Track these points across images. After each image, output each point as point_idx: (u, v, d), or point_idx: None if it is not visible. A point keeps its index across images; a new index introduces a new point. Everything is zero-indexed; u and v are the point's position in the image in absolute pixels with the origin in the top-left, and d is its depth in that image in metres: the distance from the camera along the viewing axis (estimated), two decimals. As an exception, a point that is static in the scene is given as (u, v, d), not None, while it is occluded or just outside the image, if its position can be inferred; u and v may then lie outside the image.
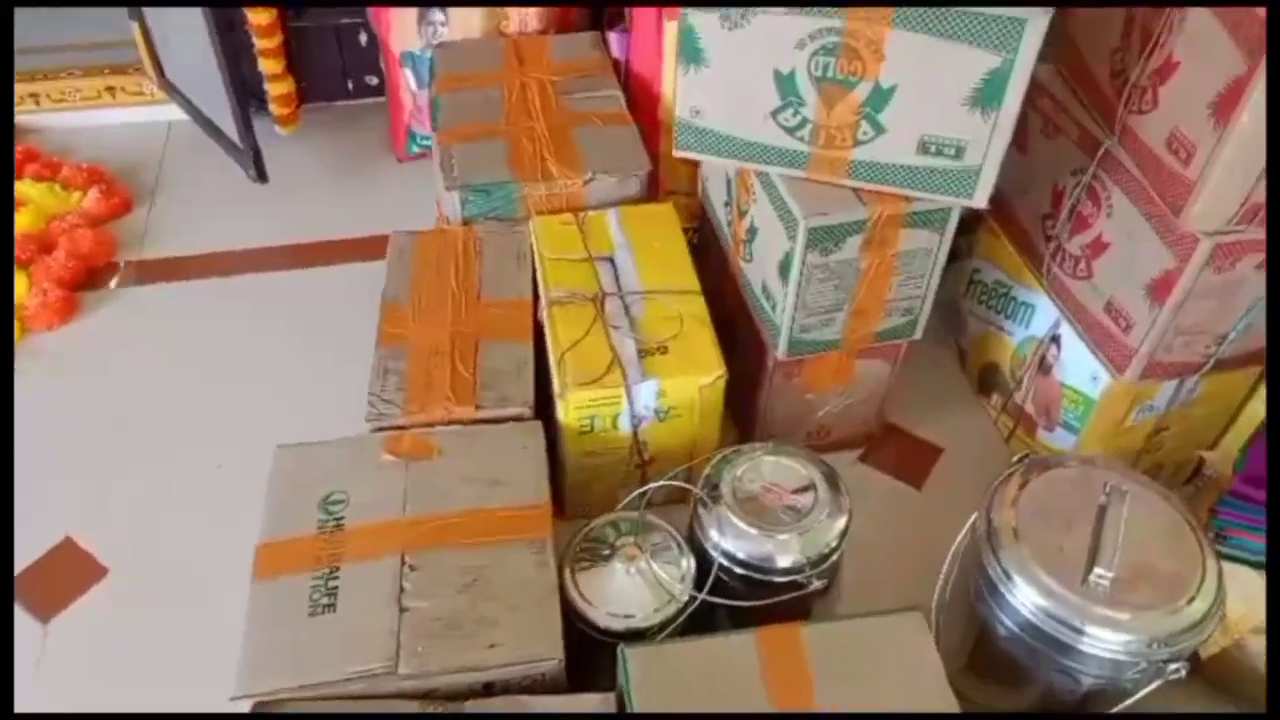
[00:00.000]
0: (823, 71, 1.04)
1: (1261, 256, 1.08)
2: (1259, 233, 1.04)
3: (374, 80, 2.04)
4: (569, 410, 1.19)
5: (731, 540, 1.08)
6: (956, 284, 1.54)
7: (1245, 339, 1.18)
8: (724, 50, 1.06)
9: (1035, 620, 0.97)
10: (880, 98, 1.04)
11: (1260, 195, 1.00)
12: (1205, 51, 0.99)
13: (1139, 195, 1.12)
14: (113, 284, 1.71)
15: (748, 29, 1.03)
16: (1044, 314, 1.34)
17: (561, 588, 1.06)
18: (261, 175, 1.77)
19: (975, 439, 1.49)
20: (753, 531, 1.07)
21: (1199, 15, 0.99)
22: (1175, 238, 1.08)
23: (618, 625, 1.05)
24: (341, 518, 1.09)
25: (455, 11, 1.74)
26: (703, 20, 1.04)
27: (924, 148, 1.07)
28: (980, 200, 1.10)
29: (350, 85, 2.07)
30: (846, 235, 1.12)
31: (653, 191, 1.52)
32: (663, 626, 1.05)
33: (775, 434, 1.39)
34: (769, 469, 1.13)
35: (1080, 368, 1.28)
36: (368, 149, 2.00)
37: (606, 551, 1.11)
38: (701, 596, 1.07)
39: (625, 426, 1.22)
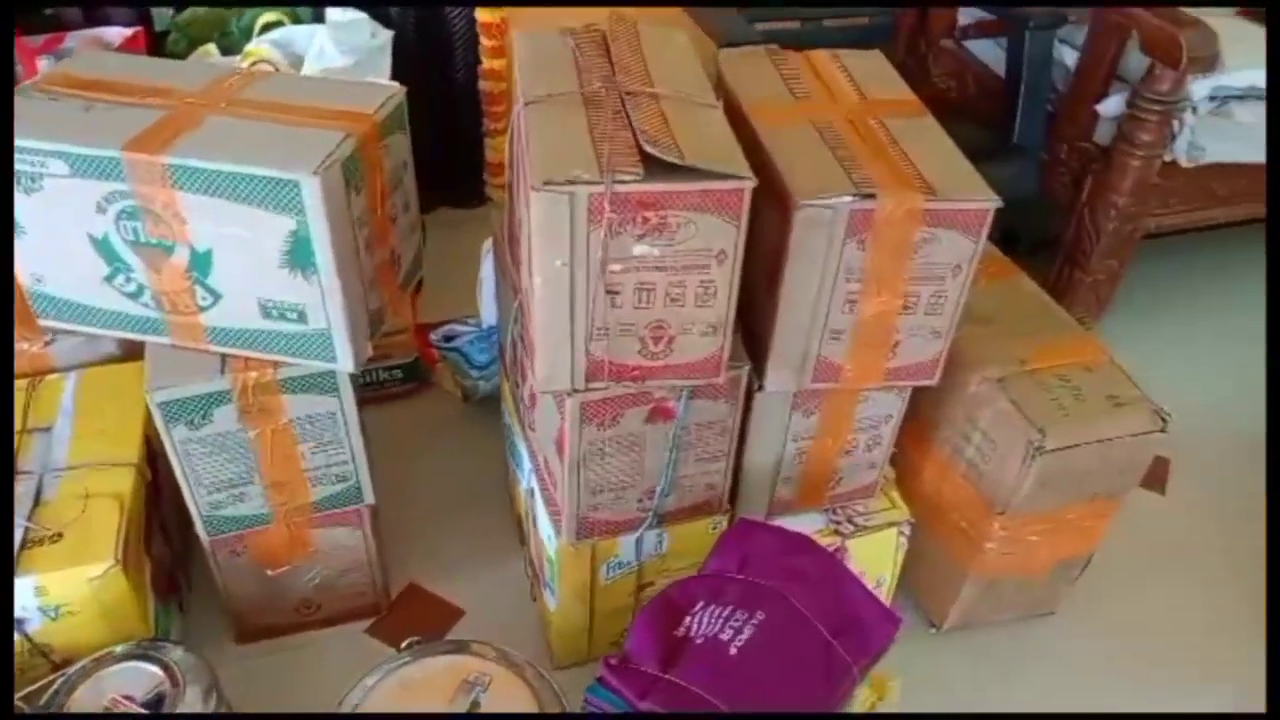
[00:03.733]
0: (134, 236, 0.95)
1: (648, 409, 1.02)
2: (621, 390, 0.98)
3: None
4: (-79, 617, 1.03)
5: (51, 771, 0.93)
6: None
7: (685, 491, 1.12)
8: (32, 215, 0.96)
9: None
10: (201, 262, 0.96)
11: (604, 355, 0.94)
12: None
13: (536, 349, 1.06)
14: None
15: (43, 192, 0.94)
16: (528, 464, 1.25)
17: None
18: None
19: (504, 598, 1.38)
20: (75, 760, 0.93)
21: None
22: (558, 395, 1.01)
23: None
24: None
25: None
26: (-3, 184, 0.94)
27: (266, 312, 0.98)
28: (346, 364, 1.02)
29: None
30: (212, 406, 1.02)
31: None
32: None
33: (251, 617, 1.26)
34: (120, 677, 0.99)
35: (545, 525, 1.19)
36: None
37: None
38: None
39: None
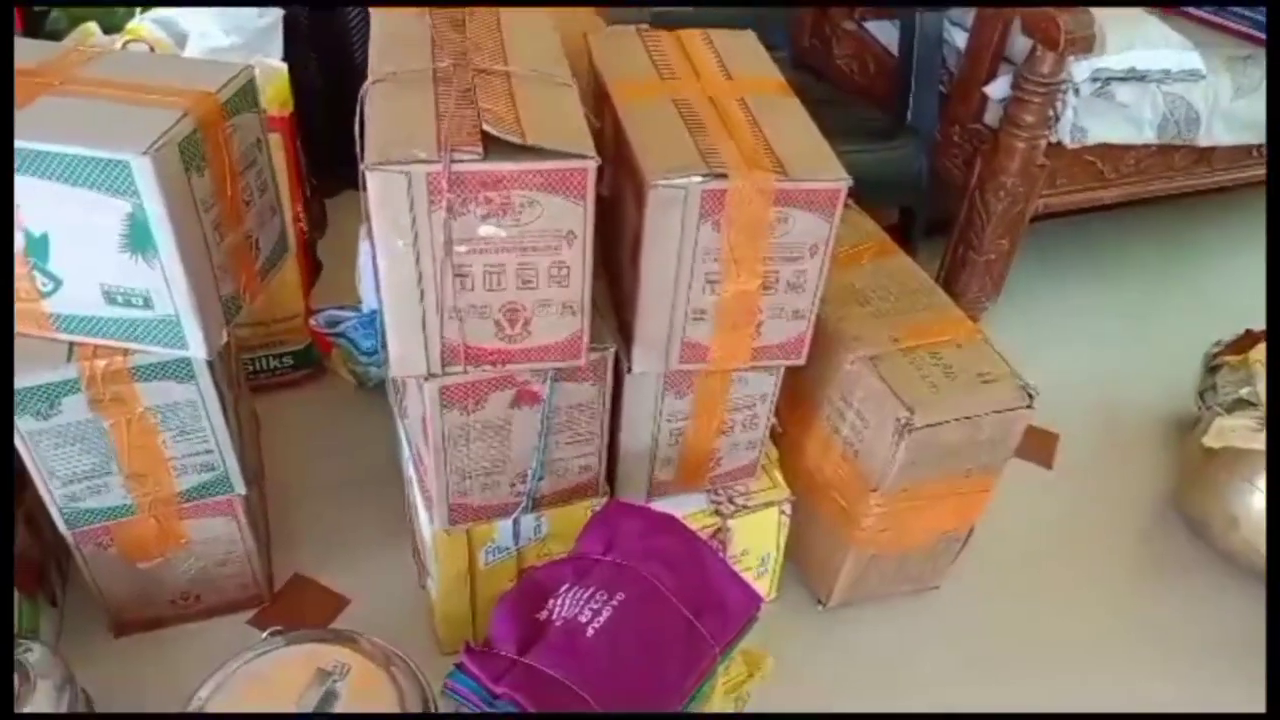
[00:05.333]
0: (-35, 220, 0.92)
1: (513, 393, 1.01)
2: (482, 373, 0.97)
3: None
4: None
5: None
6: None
7: (559, 474, 1.12)
8: None
9: None
10: (38, 246, 0.92)
11: (459, 338, 0.93)
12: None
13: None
14: None
15: None
16: (407, 451, 1.24)
17: None
18: None
19: (393, 585, 1.36)
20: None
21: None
22: (419, 380, 0.99)
23: None
24: None
25: None
26: None
27: (110, 298, 0.95)
28: (199, 350, 0.99)
29: None
30: (59, 396, 0.99)
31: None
32: None
33: (126, 610, 1.23)
34: (-32, 678, 0.96)
35: (422, 511, 1.18)
36: None
37: None
38: None
39: None
